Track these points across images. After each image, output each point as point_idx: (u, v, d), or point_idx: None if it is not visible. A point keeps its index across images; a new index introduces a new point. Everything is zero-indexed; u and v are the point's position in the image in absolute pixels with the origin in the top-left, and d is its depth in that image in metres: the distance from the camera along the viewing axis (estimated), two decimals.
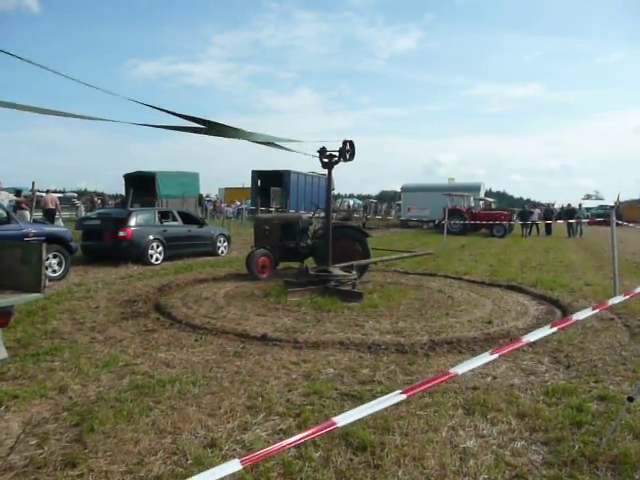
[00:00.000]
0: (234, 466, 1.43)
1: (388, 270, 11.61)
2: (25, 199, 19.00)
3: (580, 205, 29.01)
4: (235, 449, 3.21)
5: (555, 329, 2.68)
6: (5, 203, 11.54)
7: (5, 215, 8.76)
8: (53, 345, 5.33)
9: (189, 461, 3.04)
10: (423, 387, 1.99)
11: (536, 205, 36.34)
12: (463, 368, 2.12)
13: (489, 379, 4.51)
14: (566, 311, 7.30)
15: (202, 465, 2.96)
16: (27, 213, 16.20)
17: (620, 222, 12.47)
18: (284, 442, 1.58)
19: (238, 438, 3.36)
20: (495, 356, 2.24)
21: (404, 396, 1.91)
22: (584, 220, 23.06)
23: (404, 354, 5.27)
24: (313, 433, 1.62)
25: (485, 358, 2.24)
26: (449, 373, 2.03)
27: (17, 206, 16.66)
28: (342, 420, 1.71)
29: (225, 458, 3.08)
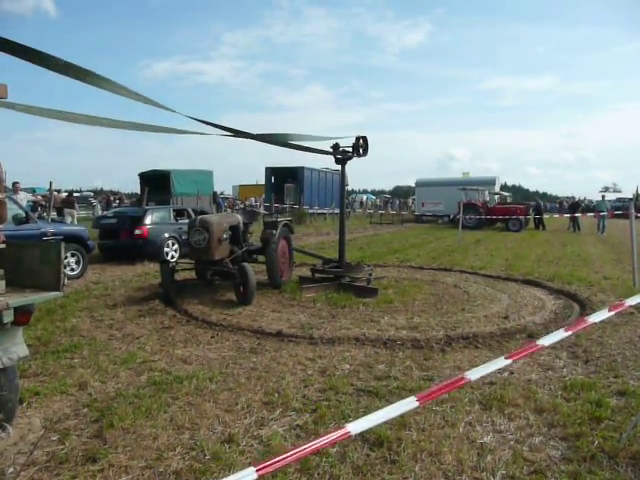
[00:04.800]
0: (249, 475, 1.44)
1: (402, 265, 11.56)
2: (43, 198, 19.98)
3: (603, 197, 27.06)
4: (252, 445, 3.24)
5: (570, 333, 2.64)
6: (24, 203, 11.71)
7: (24, 215, 8.89)
8: (72, 342, 5.42)
9: (207, 456, 3.07)
10: (437, 392, 1.98)
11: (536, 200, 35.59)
12: (477, 374, 2.10)
13: (506, 374, 4.47)
14: (584, 305, 7.21)
15: (220, 460, 2.99)
16: (75, 212, 20.17)
17: (639, 215, 12.23)
18: (300, 448, 1.59)
19: (255, 434, 3.38)
20: (509, 361, 2.22)
21: (417, 403, 1.90)
22: (602, 213, 22.40)
23: (420, 349, 5.25)
24: (328, 440, 1.62)
25: (500, 363, 2.22)
26: (464, 378, 2.01)
27: (63, 206, 19.94)
28: (355, 428, 1.71)
29: (242, 454, 3.11)
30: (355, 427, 1.72)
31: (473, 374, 2.07)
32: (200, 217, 8.00)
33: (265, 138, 5.83)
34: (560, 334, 2.61)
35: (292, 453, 1.54)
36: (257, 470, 1.44)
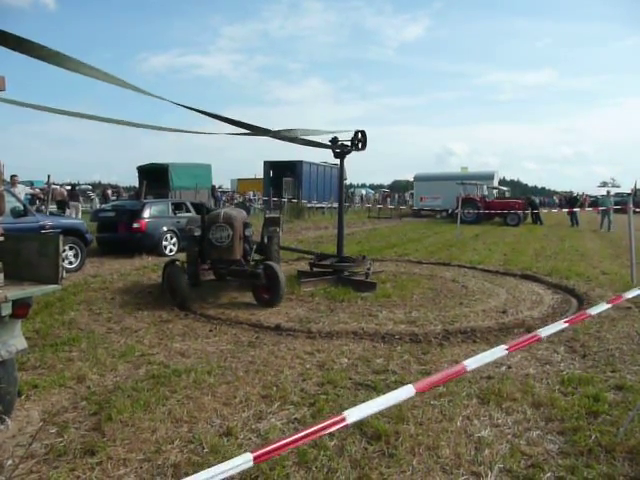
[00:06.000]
0: (247, 460, 1.44)
1: (401, 260, 11.57)
2: (41, 191, 20.15)
3: (608, 192, 25.15)
4: (250, 438, 3.24)
5: (567, 325, 2.65)
6: (22, 196, 11.68)
7: (22, 208, 8.86)
8: (71, 335, 5.42)
9: (205, 450, 3.08)
10: (436, 381, 1.98)
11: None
12: (477, 363, 2.10)
13: (504, 368, 4.48)
14: (582, 300, 7.23)
15: (218, 453, 3.00)
16: (79, 205, 20.86)
17: (638, 210, 12.24)
18: (297, 436, 1.58)
19: (253, 427, 3.39)
20: (506, 352, 2.22)
21: (413, 392, 1.90)
22: (601, 208, 22.19)
23: (418, 344, 5.26)
24: (326, 427, 1.62)
25: (499, 353, 2.22)
26: (463, 367, 2.01)
27: (70, 199, 20.54)
28: (353, 416, 1.70)
29: (240, 447, 3.12)
30: (354, 413, 1.71)
31: (473, 363, 2.07)
32: (223, 211, 7.40)
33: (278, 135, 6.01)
34: (560, 325, 2.61)
35: (290, 440, 1.53)
36: (255, 457, 1.44)
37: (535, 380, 4.21)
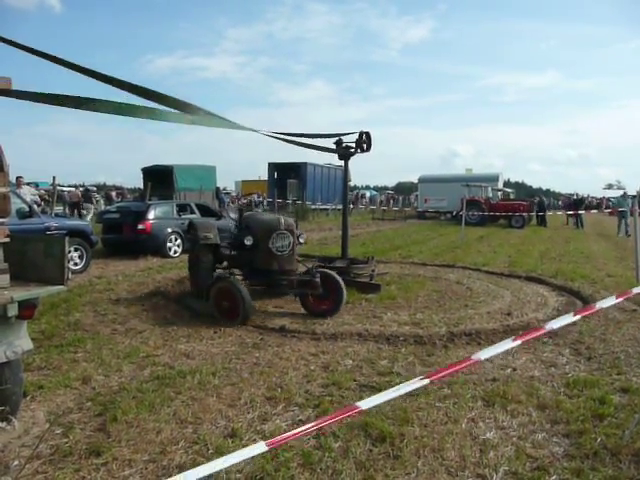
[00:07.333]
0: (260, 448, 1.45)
1: (405, 262, 11.56)
2: (46, 193, 20.46)
3: (625, 193, 22.69)
4: (255, 439, 3.24)
5: (579, 317, 2.63)
6: (27, 198, 11.74)
7: (27, 209, 8.90)
8: (76, 336, 5.44)
9: (210, 451, 3.08)
10: (447, 372, 1.98)
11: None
12: (486, 354, 2.09)
13: (509, 371, 4.47)
14: (587, 302, 7.19)
15: (223, 455, 2.99)
16: (92, 206, 22.04)
17: None
18: (307, 425, 1.59)
19: (258, 428, 3.39)
20: (518, 342, 2.21)
21: (427, 380, 1.90)
22: (605, 210, 21.96)
23: (422, 345, 5.25)
24: (337, 416, 1.62)
25: (507, 345, 2.21)
26: (471, 359, 2.01)
27: (84, 200, 21.73)
28: (365, 404, 1.70)
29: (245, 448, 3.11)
30: (366, 403, 1.72)
31: (482, 354, 2.06)
32: (282, 217, 6.81)
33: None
34: (569, 318, 2.60)
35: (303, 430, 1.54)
36: (267, 444, 1.45)
37: (540, 382, 4.20)
